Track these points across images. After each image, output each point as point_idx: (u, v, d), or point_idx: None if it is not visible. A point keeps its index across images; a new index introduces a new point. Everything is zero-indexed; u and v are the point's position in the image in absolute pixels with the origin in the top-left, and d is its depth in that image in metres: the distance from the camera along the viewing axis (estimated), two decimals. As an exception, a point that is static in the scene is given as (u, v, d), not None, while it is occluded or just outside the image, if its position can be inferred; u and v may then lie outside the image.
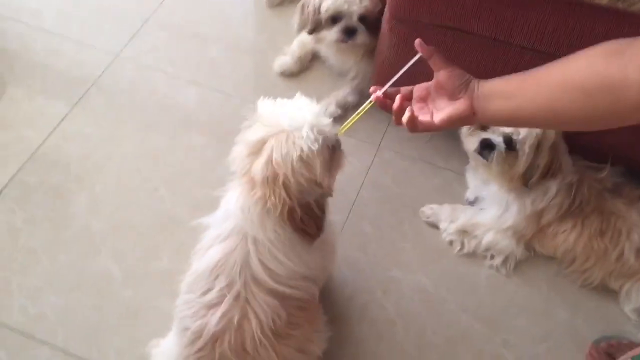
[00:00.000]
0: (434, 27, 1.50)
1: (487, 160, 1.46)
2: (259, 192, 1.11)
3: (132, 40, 2.08)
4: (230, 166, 1.19)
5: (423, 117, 1.03)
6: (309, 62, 2.05)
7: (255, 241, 1.16)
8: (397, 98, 1.05)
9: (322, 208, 1.18)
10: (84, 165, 1.77)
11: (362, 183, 1.79)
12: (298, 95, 1.16)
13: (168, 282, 1.56)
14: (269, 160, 1.08)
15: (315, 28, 1.82)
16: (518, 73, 0.97)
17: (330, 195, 1.20)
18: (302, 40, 2.02)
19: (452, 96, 1.01)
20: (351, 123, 1.10)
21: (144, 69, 2.01)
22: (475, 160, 1.54)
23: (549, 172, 1.45)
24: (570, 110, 0.89)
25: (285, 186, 1.09)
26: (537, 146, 1.41)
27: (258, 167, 1.09)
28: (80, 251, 1.61)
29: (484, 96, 0.98)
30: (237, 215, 1.17)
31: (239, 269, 1.15)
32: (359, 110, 1.10)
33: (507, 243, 1.59)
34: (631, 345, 1.45)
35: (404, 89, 1.08)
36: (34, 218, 1.65)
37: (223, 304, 1.14)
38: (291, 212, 1.12)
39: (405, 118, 1.02)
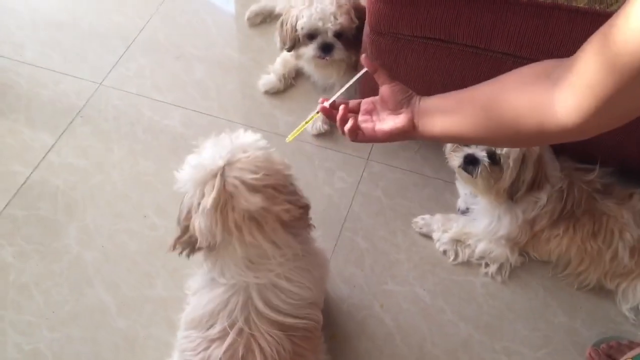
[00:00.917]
0: (414, 39, 1.51)
1: (472, 175, 1.46)
2: (270, 217, 1.05)
3: (115, 67, 2.07)
4: (201, 244, 1.09)
5: (365, 126, 1.09)
6: (293, 79, 2.05)
7: (257, 284, 1.14)
8: (341, 108, 1.10)
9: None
10: (72, 196, 1.76)
11: (353, 197, 1.78)
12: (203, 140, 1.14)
13: (163, 309, 1.55)
14: (251, 188, 1.03)
15: (294, 45, 1.83)
16: (457, 90, 1.02)
17: None
18: (285, 58, 2.02)
19: (395, 110, 1.07)
20: (297, 132, 1.13)
21: (128, 96, 2.00)
22: (460, 175, 1.54)
23: (534, 185, 1.45)
24: (503, 129, 0.92)
25: (279, 190, 1.07)
26: (522, 160, 1.41)
27: (250, 201, 1.02)
28: (73, 283, 1.59)
29: (424, 112, 1.04)
30: (238, 274, 1.13)
31: (240, 308, 1.13)
32: (306, 120, 1.15)
33: (501, 251, 1.59)
34: (631, 345, 1.44)
35: (352, 102, 1.13)
36: (25, 252, 1.64)
37: (228, 338, 1.12)
38: (304, 207, 1.12)
39: (347, 127, 1.08)
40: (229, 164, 1.03)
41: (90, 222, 1.70)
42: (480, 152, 1.45)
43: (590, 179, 1.54)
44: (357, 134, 1.09)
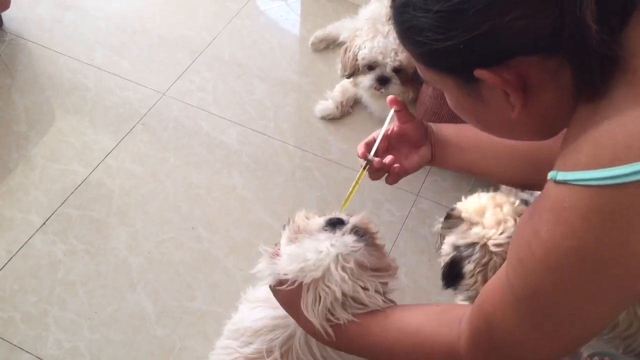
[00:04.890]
0: (478, 81, 1.50)
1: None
2: None
3: (179, 79, 2.13)
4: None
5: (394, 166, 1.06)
6: (351, 108, 2.06)
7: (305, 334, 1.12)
8: (390, 158, 1.05)
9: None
10: (125, 201, 1.80)
11: (399, 232, 1.77)
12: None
13: (201, 322, 1.57)
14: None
15: (353, 73, 1.87)
16: (470, 126, 0.96)
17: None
18: (345, 86, 2.04)
19: (417, 144, 1.08)
20: (350, 196, 1.08)
21: (188, 108, 2.05)
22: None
23: None
24: (522, 178, 1.00)
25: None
26: None
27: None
28: (117, 286, 1.63)
29: (440, 143, 1.08)
30: None
31: (281, 342, 1.13)
32: (356, 180, 1.07)
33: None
34: None
35: (368, 142, 1.09)
36: (74, 251, 1.69)
37: None
38: None
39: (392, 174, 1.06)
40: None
41: (140, 228, 1.74)
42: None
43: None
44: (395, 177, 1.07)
